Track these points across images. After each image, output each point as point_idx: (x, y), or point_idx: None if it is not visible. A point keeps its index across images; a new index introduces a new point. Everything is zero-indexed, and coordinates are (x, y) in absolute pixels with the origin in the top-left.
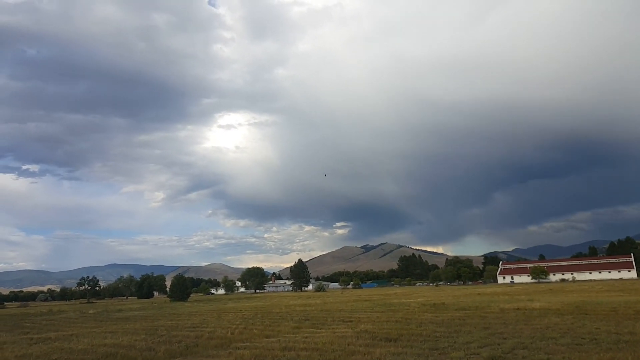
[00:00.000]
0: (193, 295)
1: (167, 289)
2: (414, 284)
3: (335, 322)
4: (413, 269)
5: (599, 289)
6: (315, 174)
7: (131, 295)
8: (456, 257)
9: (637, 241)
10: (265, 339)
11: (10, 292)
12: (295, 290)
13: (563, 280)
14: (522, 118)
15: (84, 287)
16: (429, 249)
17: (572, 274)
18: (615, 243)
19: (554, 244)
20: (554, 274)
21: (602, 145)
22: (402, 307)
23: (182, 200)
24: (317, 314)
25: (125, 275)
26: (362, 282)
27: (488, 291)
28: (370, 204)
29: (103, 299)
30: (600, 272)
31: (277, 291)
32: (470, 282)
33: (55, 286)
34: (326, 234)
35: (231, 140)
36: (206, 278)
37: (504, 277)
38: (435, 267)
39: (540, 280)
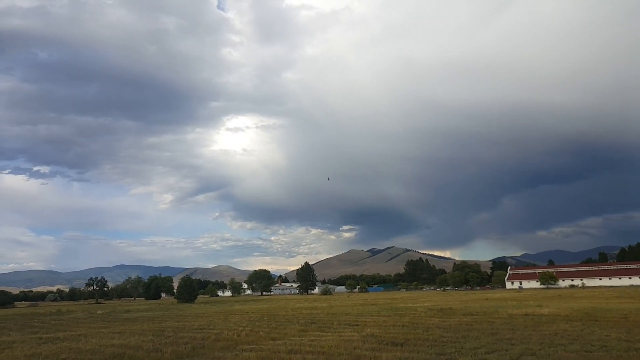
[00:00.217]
0: (200, 297)
1: (175, 291)
2: (421, 289)
3: (341, 325)
4: (420, 273)
5: (609, 295)
6: (322, 177)
7: (139, 296)
8: (464, 262)
9: None
10: (271, 342)
11: (20, 291)
12: (302, 293)
13: (572, 286)
14: (530, 122)
15: (92, 287)
16: (436, 253)
17: (581, 280)
18: (626, 249)
19: (563, 249)
20: (563, 280)
21: (613, 150)
22: (409, 312)
23: (190, 202)
24: (324, 317)
25: (133, 276)
26: (368, 286)
27: (496, 296)
28: (377, 207)
29: (111, 299)
30: (610, 279)
31: (284, 294)
32: (478, 287)
33: (64, 286)
34: (333, 237)
35: (239, 143)
36: (213, 280)
37: (512, 283)
38: (443, 271)
39: (549, 286)
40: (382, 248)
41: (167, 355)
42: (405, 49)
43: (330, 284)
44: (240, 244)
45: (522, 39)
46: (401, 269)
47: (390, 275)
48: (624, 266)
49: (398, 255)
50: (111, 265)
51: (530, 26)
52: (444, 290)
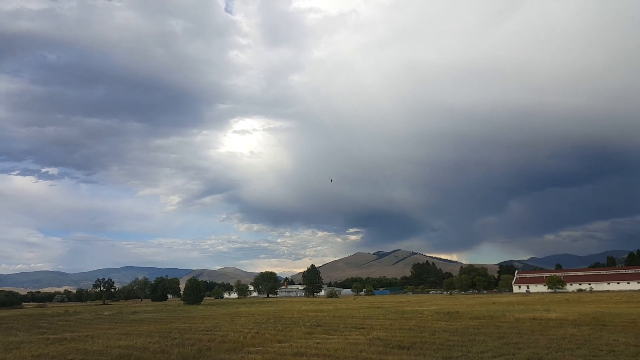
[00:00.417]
0: (206, 299)
1: (181, 292)
2: (428, 292)
3: (347, 328)
4: (427, 276)
5: (618, 299)
6: (328, 180)
7: (145, 298)
8: (471, 265)
9: None
10: (277, 344)
11: (28, 292)
12: (308, 296)
13: (580, 290)
14: (538, 125)
15: (99, 288)
16: (443, 256)
17: (589, 284)
18: (635, 253)
19: (571, 253)
20: (571, 284)
21: (621, 153)
22: (416, 315)
23: (196, 204)
24: (329, 320)
25: (140, 277)
26: (374, 289)
27: (503, 300)
28: (383, 210)
29: (118, 300)
30: (618, 283)
31: (290, 296)
32: (485, 291)
33: (71, 287)
34: (339, 239)
35: (246, 145)
36: (219, 282)
37: (520, 287)
38: (450, 275)
39: (557, 290)
40: (388, 251)
41: (173, 357)
42: (412, 52)
43: (337, 287)
44: (246, 246)
45: (530, 42)
46: (407, 272)
47: (396, 279)
48: (632, 270)
49: (404, 258)
50: (118, 267)
51: (537, 29)
52: (450, 293)
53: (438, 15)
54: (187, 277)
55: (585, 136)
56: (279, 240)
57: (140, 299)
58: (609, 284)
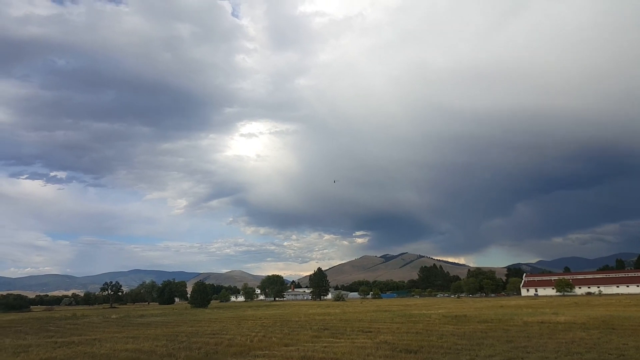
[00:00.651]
0: (213, 302)
1: (188, 295)
2: (435, 295)
3: (354, 332)
4: (434, 279)
5: (627, 303)
6: (335, 183)
7: (153, 301)
8: (478, 269)
9: None
10: (284, 348)
11: (36, 295)
12: (315, 299)
13: (589, 293)
14: (545, 127)
15: (107, 292)
16: (450, 259)
17: (598, 287)
18: None
19: (579, 256)
20: (580, 287)
21: (630, 155)
22: (423, 319)
23: (203, 208)
24: (336, 323)
25: (148, 281)
26: (381, 292)
27: (511, 304)
28: (390, 213)
29: (125, 304)
30: (628, 286)
31: (296, 299)
32: (492, 294)
33: (79, 291)
34: (346, 242)
35: (252, 148)
36: (226, 285)
37: (528, 290)
38: (457, 278)
39: (565, 293)
40: (395, 254)
41: None
42: (419, 55)
43: (343, 290)
44: (253, 249)
45: (537, 44)
46: (415, 275)
47: (403, 282)
48: None
49: (411, 261)
50: (126, 270)
51: (545, 31)
52: (458, 297)
53: (444, 18)
54: (194, 281)
55: (593, 138)
56: (285, 243)
57: (147, 302)
58: (618, 287)
